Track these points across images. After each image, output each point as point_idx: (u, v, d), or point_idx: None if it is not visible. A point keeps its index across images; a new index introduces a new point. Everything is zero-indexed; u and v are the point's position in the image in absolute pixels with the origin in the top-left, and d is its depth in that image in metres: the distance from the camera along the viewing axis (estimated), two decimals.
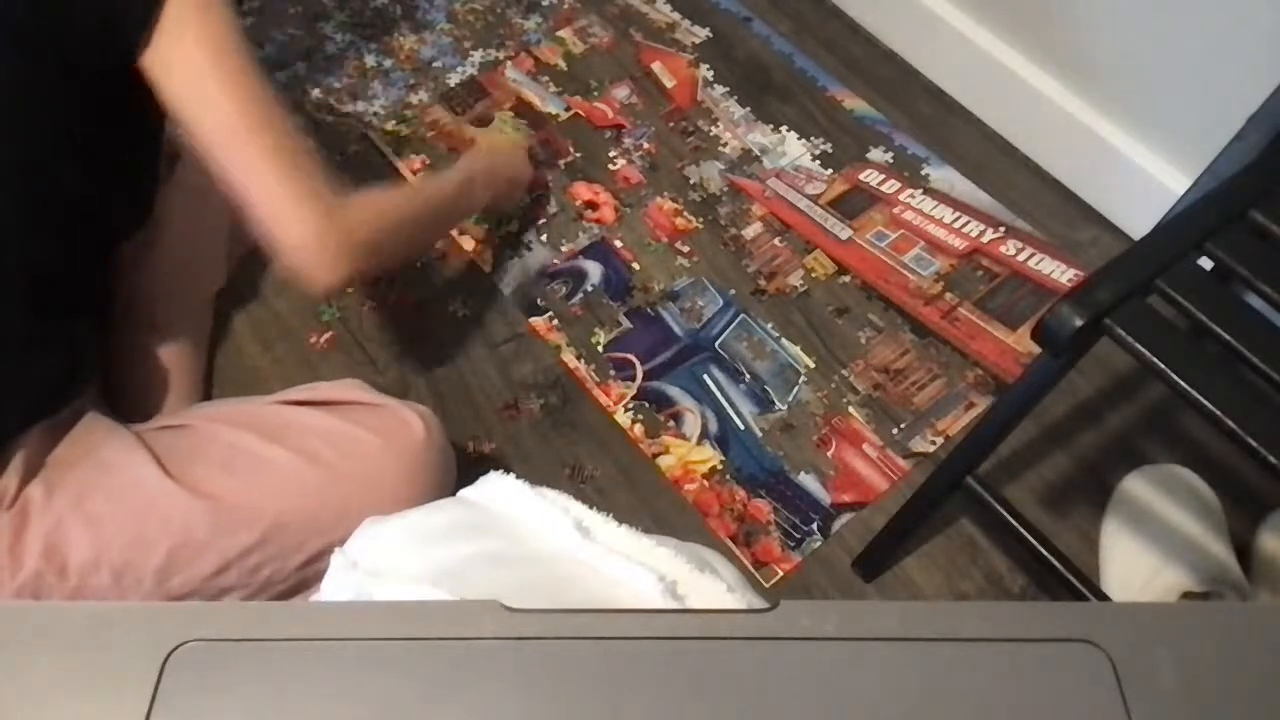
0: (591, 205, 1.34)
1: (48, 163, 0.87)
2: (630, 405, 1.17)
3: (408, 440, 0.93)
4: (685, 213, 1.33)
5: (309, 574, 0.90)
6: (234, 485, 0.88)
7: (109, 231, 0.97)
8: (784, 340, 1.23)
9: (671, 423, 1.17)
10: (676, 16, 1.54)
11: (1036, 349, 0.77)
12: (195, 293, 1.12)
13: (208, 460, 0.89)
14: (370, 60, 1.47)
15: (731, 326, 1.24)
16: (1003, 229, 1.32)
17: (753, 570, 1.07)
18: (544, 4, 1.55)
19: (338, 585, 0.54)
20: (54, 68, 0.84)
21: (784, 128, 1.42)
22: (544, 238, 1.31)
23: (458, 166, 1.14)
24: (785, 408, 1.18)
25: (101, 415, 0.92)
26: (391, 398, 0.97)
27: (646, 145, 1.40)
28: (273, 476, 0.89)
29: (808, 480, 1.13)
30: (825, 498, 1.12)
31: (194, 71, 0.82)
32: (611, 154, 1.39)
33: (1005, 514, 0.93)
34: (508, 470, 0.62)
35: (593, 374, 1.20)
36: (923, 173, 1.37)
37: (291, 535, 0.88)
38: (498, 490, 0.61)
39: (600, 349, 1.22)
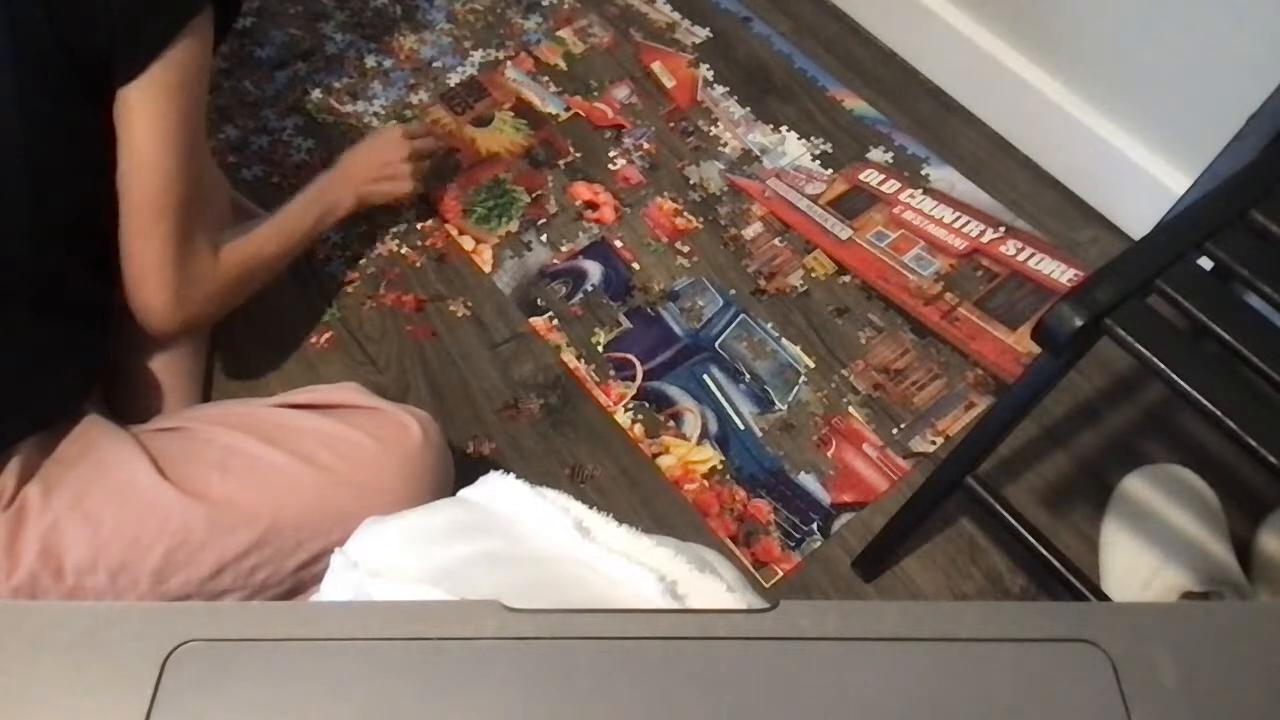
0: (591, 205, 1.34)
1: (50, 165, 0.87)
2: (630, 405, 1.17)
3: (405, 444, 0.93)
4: (685, 213, 1.33)
5: (305, 577, 0.90)
6: (231, 487, 0.88)
7: (109, 233, 0.97)
8: (784, 340, 1.23)
9: (671, 423, 1.17)
10: (676, 16, 1.54)
11: (1036, 349, 0.77)
12: None
13: (204, 462, 0.89)
14: (370, 60, 1.47)
15: (731, 326, 1.24)
16: (1003, 229, 1.32)
17: (753, 570, 1.07)
18: (544, 4, 1.55)
19: (338, 585, 0.54)
20: (59, 71, 0.84)
21: (784, 128, 1.42)
22: (544, 238, 1.31)
23: (330, 172, 1.19)
24: (785, 408, 1.18)
25: (100, 416, 0.92)
26: (389, 401, 0.97)
27: (646, 145, 1.40)
28: (269, 479, 0.89)
29: (808, 480, 1.13)
30: (825, 498, 1.12)
31: (146, 133, 0.90)
32: (611, 154, 1.39)
33: (1005, 514, 0.93)
34: (508, 470, 0.62)
35: (593, 374, 1.20)
36: (923, 173, 1.37)
37: (288, 538, 0.88)
38: (498, 490, 0.61)
39: (600, 349, 1.22)
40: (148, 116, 0.89)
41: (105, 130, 0.89)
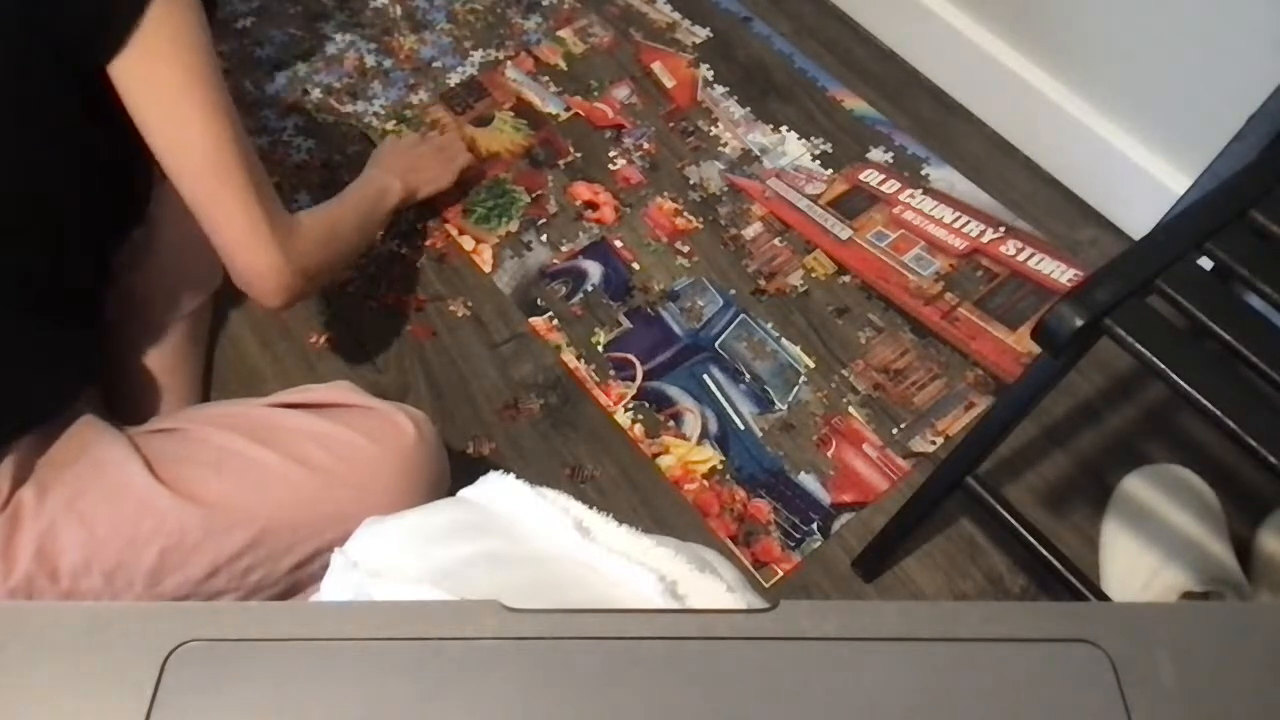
0: (591, 205, 1.34)
1: (39, 160, 0.86)
2: (630, 405, 1.17)
3: (400, 443, 0.93)
4: (685, 213, 1.33)
5: (300, 577, 0.89)
6: (225, 489, 0.87)
7: (103, 231, 0.97)
8: (784, 340, 1.23)
9: (671, 423, 1.17)
10: (676, 16, 1.54)
11: (1036, 349, 0.77)
12: (192, 294, 1.12)
13: (198, 463, 0.89)
14: (370, 60, 1.47)
15: (731, 326, 1.24)
16: (1003, 229, 1.32)
17: (753, 570, 1.07)
18: (544, 4, 1.55)
19: (338, 585, 0.54)
20: (45, 63, 0.83)
21: (784, 128, 1.42)
22: (544, 238, 1.31)
23: (367, 168, 1.20)
24: (785, 408, 1.18)
25: (95, 417, 0.91)
26: (384, 400, 0.97)
27: (646, 145, 1.40)
28: (264, 479, 0.89)
29: (808, 480, 1.13)
30: (825, 498, 1.12)
31: (163, 101, 0.85)
32: (611, 154, 1.39)
33: (1005, 514, 0.93)
34: (508, 470, 0.62)
35: (593, 374, 1.20)
36: (923, 173, 1.37)
37: (283, 538, 0.88)
38: (498, 490, 0.61)
39: (600, 349, 1.22)
40: (156, 85, 0.84)
41: (96, 123, 0.88)
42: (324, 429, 0.92)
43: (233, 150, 0.87)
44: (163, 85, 0.84)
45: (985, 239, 1.31)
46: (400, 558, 0.56)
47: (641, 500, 1.11)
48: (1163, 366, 0.71)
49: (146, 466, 0.87)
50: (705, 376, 1.20)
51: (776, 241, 1.31)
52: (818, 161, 1.39)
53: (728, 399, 1.18)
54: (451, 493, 0.64)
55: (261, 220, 0.88)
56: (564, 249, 1.30)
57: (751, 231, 1.32)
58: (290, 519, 0.88)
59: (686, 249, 1.30)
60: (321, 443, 0.91)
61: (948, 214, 1.33)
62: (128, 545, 0.84)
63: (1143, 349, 0.71)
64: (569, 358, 1.21)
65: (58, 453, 0.87)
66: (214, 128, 0.86)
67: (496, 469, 0.64)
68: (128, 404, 1.05)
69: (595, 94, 1.45)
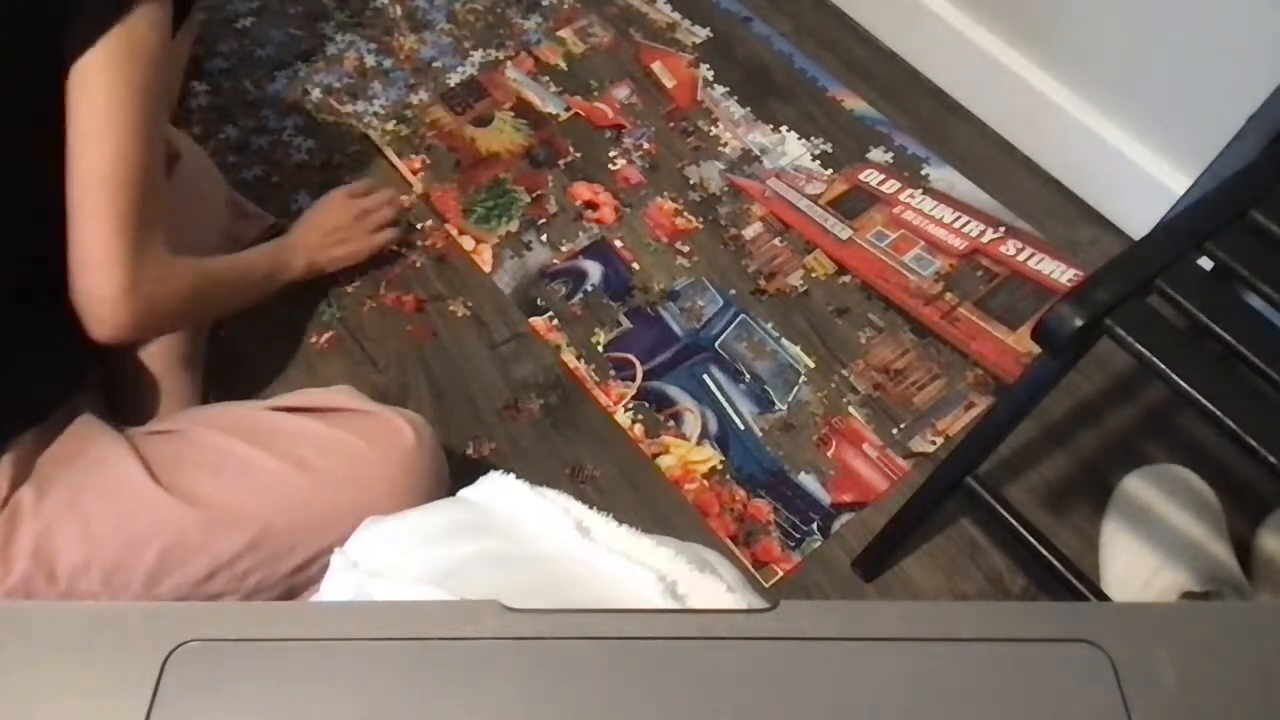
0: (591, 205, 1.34)
1: (23, 151, 0.86)
2: (630, 405, 1.17)
3: (398, 447, 0.93)
4: (685, 213, 1.33)
5: (299, 580, 0.89)
6: (224, 491, 0.87)
7: None
8: (784, 340, 1.23)
9: (671, 423, 1.17)
10: (676, 16, 1.54)
11: (1036, 349, 0.77)
12: None
13: (197, 466, 0.89)
14: (370, 60, 1.47)
15: (731, 326, 1.24)
16: (1003, 229, 1.32)
17: (753, 570, 1.07)
18: (544, 4, 1.55)
19: (338, 585, 0.54)
20: (20, 53, 0.82)
21: (784, 128, 1.42)
22: (544, 238, 1.31)
23: (289, 232, 1.17)
24: (785, 408, 1.18)
25: (94, 417, 0.91)
26: (383, 405, 0.97)
27: (646, 145, 1.40)
28: (262, 483, 0.88)
29: (808, 480, 1.13)
30: (825, 498, 1.12)
31: (95, 104, 0.83)
32: (611, 154, 1.39)
33: (1005, 514, 0.93)
34: (508, 470, 0.62)
35: (593, 374, 1.20)
36: (923, 173, 1.37)
37: (281, 541, 0.87)
38: (498, 490, 0.61)
39: (600, 349, 1.22)
40: (98, 85, 0.83)
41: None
42: (323, 433, 0.92)
43: (131, 175, 0.85)
44: (103, 91, 0.83)
45: (985, 239, 1.31)
46: (400, 558, 0.56)
47: (641, 500, 1.11)
48: (1163, 366, 0.71)
49: (145, 468, 0.87)
50: (705, 376, 1.20)
51: (776, 241, 1.31)
52: (818, 161, 1.39)
53: (728, 399, 1.18)
54: (451, 493, 0.65)
55: (121, 250, 0.85)
56: (564, 249, 1.30)
57: (751, 231, 1.32)
58: (289, 522, 0.88)
59: (686, 249, 1.30)
60: (320, 446, 0.91)
61: (948, 214, 1.33)
62: (126, 546, 0.84)
63: (1143, 349, 0.71)
64: (569, 358, 1.21)
65: (57, 453, 0.87)
66: (125, 147, 0.84)
67: (496, 469, 0.64)
68: (127, 405, 1.05)
69: (595, 94, 1.45)
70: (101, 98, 0.83)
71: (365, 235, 1.23)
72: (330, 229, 1.20)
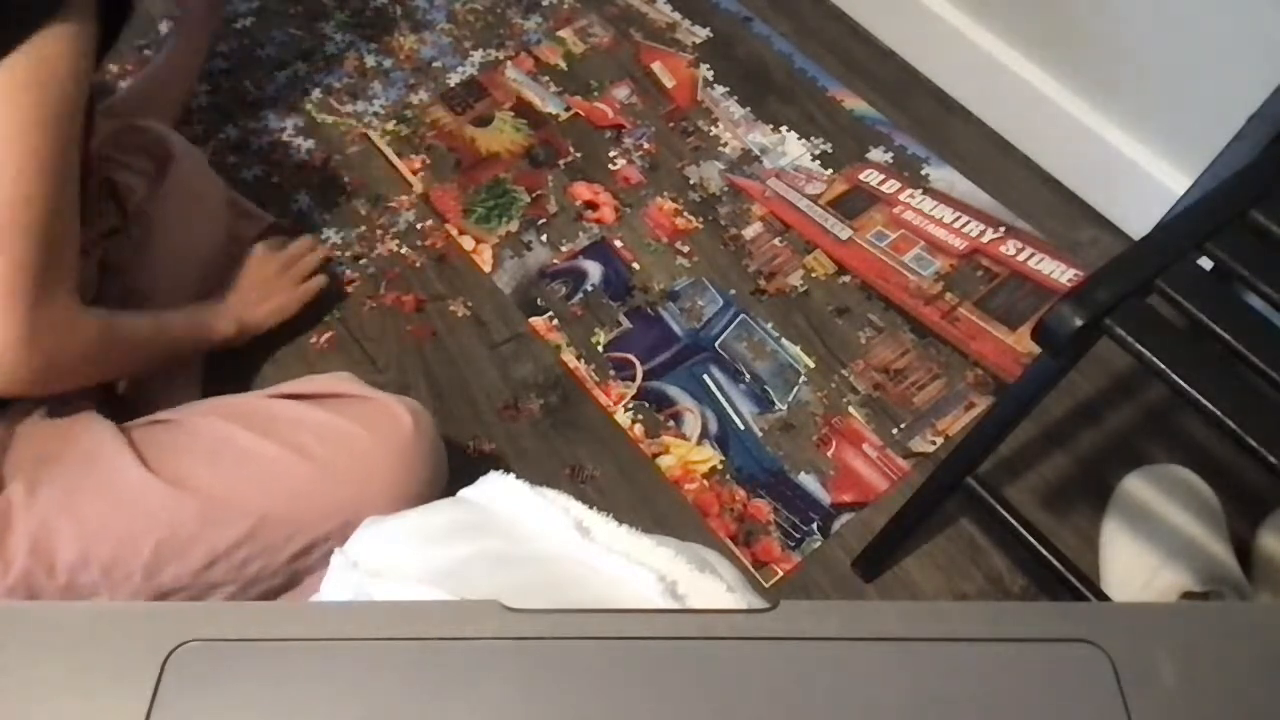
0: (591, 205, 1.34)
1: None
2: (630, 405, 1.17)
3: (396, 434, 0.93)
4: (685, 213, 1.33)
5: (298, 568, 0.89)
6: (221, 479, 0.87)
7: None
8: (784, 340, 1.23)
9: (671, 423, 1.16)
10: (676, 16, 1.54)
11: (1036, 349, 0.77)
12: (190, 295, 1.12)
13: (193, 455, 0.88)
14: (370, 60, 1.47)
15: (731, 326, 1.24)
16: (1003, 229, 1.32)
17: (753, 570, 1.07)
18: (544, 4, 1.55)
19: (338, 585, 0.54)
20: None
21: (784, 128, 1.42)
22: (544, 238, 1.31)
23: (208, 308, 1.09)
24: (785, 408, 1.18)
25: (89, 414, 0.91)
26: (380, 391, 0.97)
27: (646, 145, 1.40)
28: (260, 470, 0.88)
29: (808, 480, 1.13)
30: (825, 498, 1.12)
31: (2, 135, 0.77)
32: (611, 154, 1.39)
33: (1005, 514, 0.93)
34: (508, 470, 0.62)
35: (593, 374, 1.20)
36: (923, 173, 1.37)
37: (280, 529, 0.87)
38: (498, 490, 0.61)
39: (600, 349, 1.22)
40: None
41: None
42: (321, 419, 0.92)
43: (30, 215, 0.78)
44: (2, 122, 0.76)
45: (985, 239, 1.31)
46: (400, 558, 0.56)
47: (641, 500, 1.11)
48: (1163, 366, 0.71)
49: (139, 459, 0.86)
50: (705, 376, 1.20)
51: (776, 241, 1.31)
52: (818, 161, 1.39)
53: (728, 399, 1.18)
54: (451, 493, 0.65)
55: (18, 298, 0.78)
56: (564, 249, 1.30)
57: (751, 231, 1.32)
58: (288, 510, 0.88)
59: (686, 249, 1.30)
60: (318, 433, 0.91)
61: (948, 214, 1.33)
62: (123, 539, 0.84)
63: (1143, 349, 0.71)
64: (569, 358, 1.21)
65: (47, 448, 0.86)
66: (23, 186, 0.77)
67: (496, 469, 0.64)
68: (126, 404, 1.04)
69: (595, 94, 1.45)
70: (0, 129, 0.76)
71: (291, 286, 1.18)
72: (250, 287, 1.14)
